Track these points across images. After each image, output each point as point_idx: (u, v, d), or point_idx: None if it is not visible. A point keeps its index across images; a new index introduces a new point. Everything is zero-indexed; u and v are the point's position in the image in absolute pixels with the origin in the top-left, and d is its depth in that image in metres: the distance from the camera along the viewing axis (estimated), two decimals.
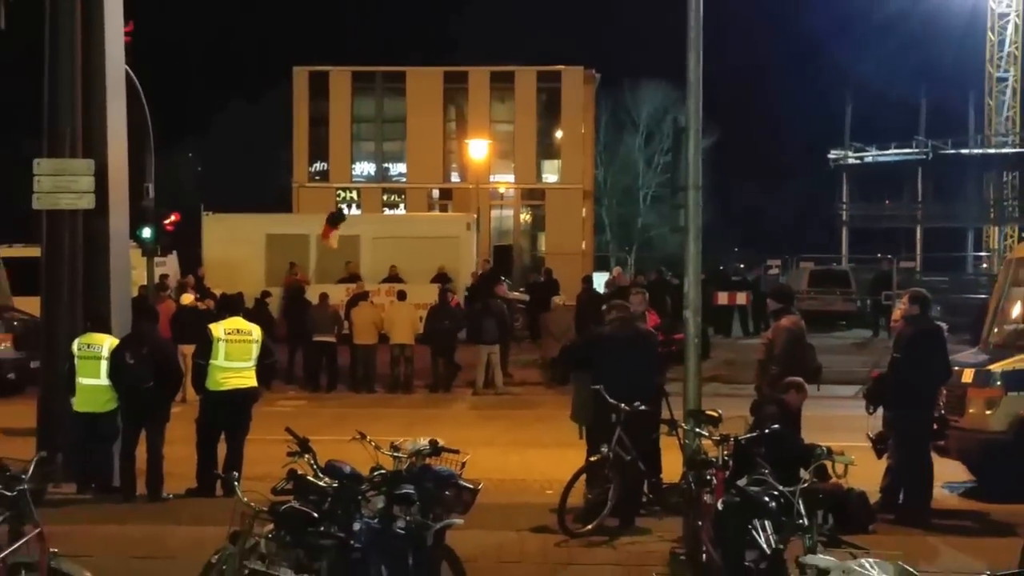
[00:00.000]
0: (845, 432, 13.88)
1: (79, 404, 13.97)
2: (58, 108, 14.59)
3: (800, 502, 8.24)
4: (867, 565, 6.82)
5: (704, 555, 9.77)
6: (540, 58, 57.25)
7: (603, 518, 12.16)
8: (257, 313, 22.16)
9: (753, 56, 75.18)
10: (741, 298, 37.13)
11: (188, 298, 23.99)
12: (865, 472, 11.89)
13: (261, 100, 66.57)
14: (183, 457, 14.27)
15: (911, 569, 6.86)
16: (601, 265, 60.58)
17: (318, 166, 57.97)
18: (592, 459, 12.38)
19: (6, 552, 8.45)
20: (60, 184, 14.44)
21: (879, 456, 13.20)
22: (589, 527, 12.09)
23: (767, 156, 78.31)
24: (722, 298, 36.69)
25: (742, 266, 45.34)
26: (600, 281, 39.04)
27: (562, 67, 56.87)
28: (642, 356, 12.87)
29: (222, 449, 14.18)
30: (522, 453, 17.78)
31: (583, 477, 12.33)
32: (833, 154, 63.87)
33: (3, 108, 52.91)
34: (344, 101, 57.05)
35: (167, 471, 14.04)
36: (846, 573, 6.86)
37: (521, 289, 36.80)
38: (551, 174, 58.11)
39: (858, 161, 63.55)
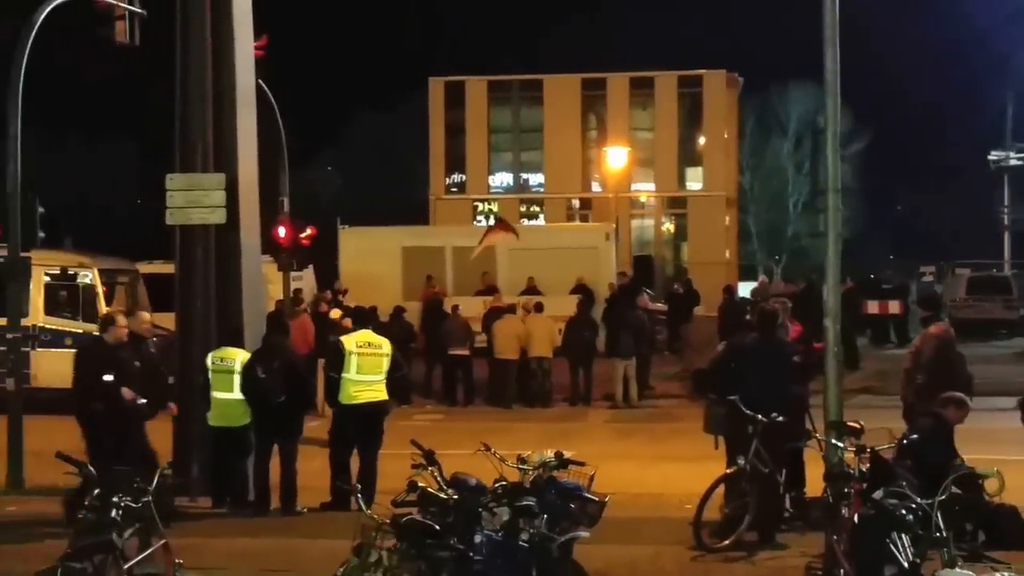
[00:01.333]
0: (1005, 445, 13.36)
1: (213, 418, 14.11)
2: (189, 123, 14.79)
3: (939, 515, 7.88)
4: None
5: (841, 571, 9.42)
6: (681, 62, 56.65)
7: (741, 532, 11.85)
8: (395, 327, 22.26)
9: (908, 54, 73.23)
10: (894, 307, 36.15)
11: (337, 313, 24.16)
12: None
13: (397, 112, 67.11)
14: (318, 471, 14.28)
15: None
16: (747, 274, 59.62)
17: (455, 177, 58.09)
18: (728, 471, 12.06)
19: (132, 562, 8.56)
20: (192, 199, 14.61)
21: None
22: (727, 542, 11.79)
23: (923, 158, 76.34)
24: (872, 307, 35.75)
25: (890, 273, 44.12)
26: (746, 291, 38.41)
27: (704, 71, 56.12)
28: (779, 366, 12.51)
29: (356, 463, 14.14)
30: (661, 467, 17.44)
31: (720, 490, 12.03)
32: (994, 155, 61.81)
33: (140, 124, 54.00)
34: (480, 111, 57.08)
35: (302, 485, 14.05)
36: None
37: (663, 300, 36.33)
38: (694, 181, 57.37)
39: (1021, 162, 61.44)
